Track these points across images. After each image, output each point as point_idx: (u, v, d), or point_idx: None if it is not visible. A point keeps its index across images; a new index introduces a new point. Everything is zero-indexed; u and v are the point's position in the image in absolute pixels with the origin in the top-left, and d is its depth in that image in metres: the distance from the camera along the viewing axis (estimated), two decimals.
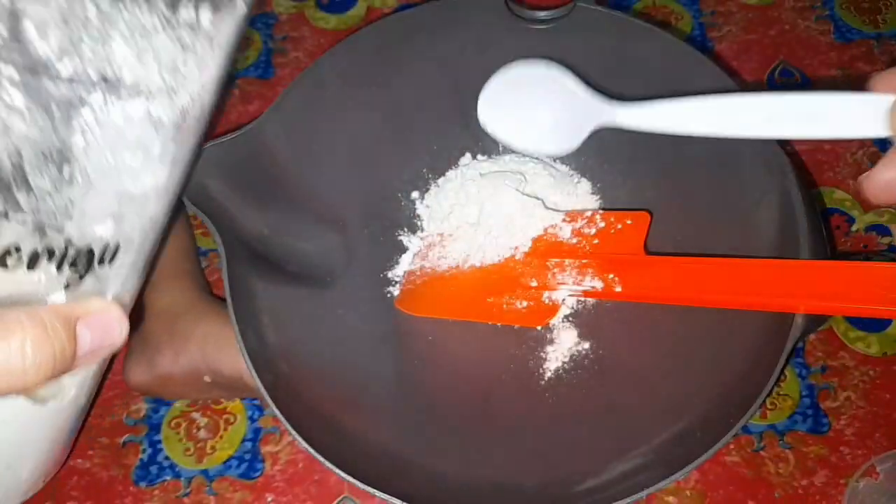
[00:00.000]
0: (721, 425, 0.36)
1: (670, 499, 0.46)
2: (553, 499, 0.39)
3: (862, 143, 0.56)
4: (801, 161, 0.55)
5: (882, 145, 0.56)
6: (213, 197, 0.41)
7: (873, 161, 0.55)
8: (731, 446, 0.47)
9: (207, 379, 0.46)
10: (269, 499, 0.47)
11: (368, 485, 0.36)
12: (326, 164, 0.47)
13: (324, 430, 0.39)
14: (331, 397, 0.42)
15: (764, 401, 0.36)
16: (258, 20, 0.62)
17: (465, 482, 0.40)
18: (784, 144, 0.55)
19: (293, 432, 0.37)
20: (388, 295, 0.48)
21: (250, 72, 0.60)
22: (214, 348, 0.45)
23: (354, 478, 0.36)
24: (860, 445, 0.47)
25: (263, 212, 0.44)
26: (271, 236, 0.44)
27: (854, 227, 0.53)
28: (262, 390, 0.37)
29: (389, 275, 0.49)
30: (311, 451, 0.36)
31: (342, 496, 0.47)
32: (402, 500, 0.36)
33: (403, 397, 0.45)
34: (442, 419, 0.44)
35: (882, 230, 0.53)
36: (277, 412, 0.37)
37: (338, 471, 0.36)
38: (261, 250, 0.43)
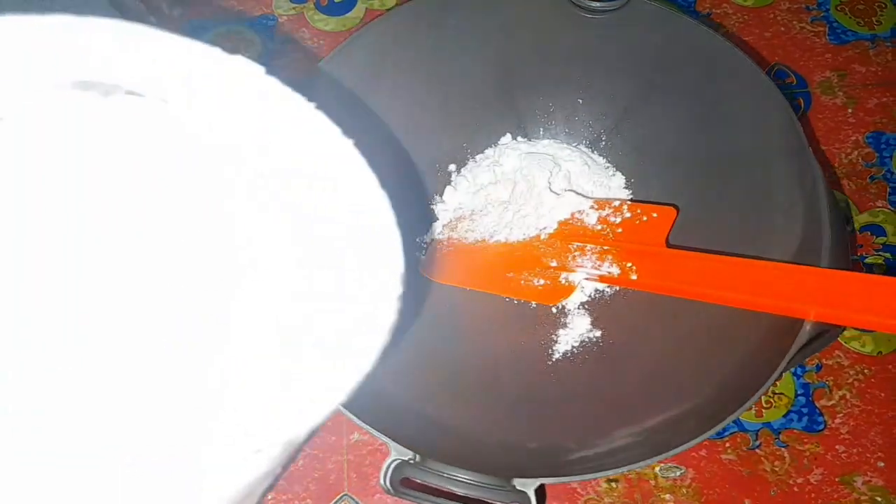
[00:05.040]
0: (713, 418, 0.37)
1: (667, 496, 0.46)
2: (548, 462, 0.41)
3: (856, 144, 0.57)
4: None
5: (877, 145, 0.56)
6: None
7: (868, 161, 0.56)
8: (727, 444, 0.48)
9: None
10: (269, 496, 0.47)
11: (378, 430, 0.37)
12: (369, 127, 0.48)
13: None
14: None
15: (758, 399, 0.37)
16: (257, 22, 0.63)
17: (472, 436, 0.42)
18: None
19: None
20: (415, 260, 0.49)
21: None
22: None
23: (368, 424, 0.37)
24: (855, 444, 0.48)
25: None
26: None
27: (849, 228, 0.54)
28: None
29: (418, 240, 0.50)
30: None
31: (342, 494, 0.47)
32: (410, 448, 0.37)
33: (417, 354, 0.46)
34: (453, 381, 0.45)
35: (877, 230, 0.54)
36: None
37: (353, 416, 0.37)
38: None
